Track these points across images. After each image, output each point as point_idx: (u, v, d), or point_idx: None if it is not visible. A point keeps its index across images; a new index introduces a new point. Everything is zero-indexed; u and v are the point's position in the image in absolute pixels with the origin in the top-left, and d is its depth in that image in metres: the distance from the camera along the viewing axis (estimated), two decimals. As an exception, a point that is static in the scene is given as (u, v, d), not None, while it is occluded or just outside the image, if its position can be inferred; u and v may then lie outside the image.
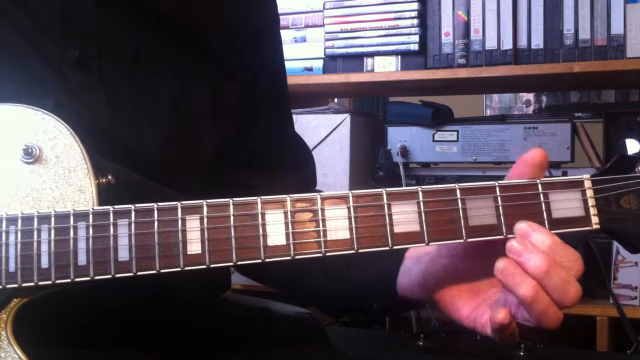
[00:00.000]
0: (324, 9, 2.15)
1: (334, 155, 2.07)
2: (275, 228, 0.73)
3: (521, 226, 0.73)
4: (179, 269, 0.72)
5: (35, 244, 0.72)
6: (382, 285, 0.90)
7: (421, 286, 0.85)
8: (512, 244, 0.73)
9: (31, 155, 0.75)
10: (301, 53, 2.19)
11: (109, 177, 0.77)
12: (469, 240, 0.74)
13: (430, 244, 0.74)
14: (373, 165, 2.08)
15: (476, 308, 0.80)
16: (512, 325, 0.74)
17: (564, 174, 1.96)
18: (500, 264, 0.72)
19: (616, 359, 1.81)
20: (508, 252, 0.73)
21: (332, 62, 2.14)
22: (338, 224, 0.74)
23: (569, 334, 2.01)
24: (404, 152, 2.09)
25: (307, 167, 1.15)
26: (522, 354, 1.57)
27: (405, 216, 0.74)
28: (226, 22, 0.99)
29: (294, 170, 1.11)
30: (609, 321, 1.85)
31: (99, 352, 0.86)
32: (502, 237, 0.74)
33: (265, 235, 0.73)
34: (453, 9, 2.01)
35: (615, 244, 1.89)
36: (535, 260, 0.71)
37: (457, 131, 2.07)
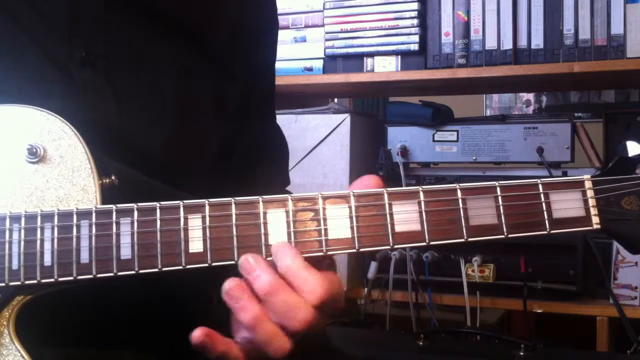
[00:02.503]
0: (324, 9, 2.15)
1: (334, 155, 2.07)
2: (276, 227, 0.74)
3: (274, 245, 0.74)
4: (180, 267, 0.73)
5: (38, 242, 0.73)
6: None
7: None
8: (246, 260, 0.73)
9: (35, 155, 0.76)
10: (301, 53, 2.19)
11: (113, 177, 0.77)
12: (469, 239, 0.74)
13: (431, 243, 0.74)
14: (373, 166, 2.08)
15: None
16: (212, 348, 0.73)
17: (564, 174, 1.97)
18: (227, 285, 0.72)
19: (616, 359, 1.81)
20: (240, 268, 0.73)
21: (332, 62, 2.14)
22: (339, 223, 0.74)
23: (569, 334, 2.02)
24: (404, 152, 2.09)
25: (285, 154, 1.17)
26: (522, 354, 1.57)
27: (406, 216, 0.74)
28: (227, 22, 1.00)
29: (276, 159, 1.13)
30: (609, 321, 1.85)
31: (100, 350, 0.86)
32: (502, 236, 0.75)
33: (266, 234, 0.74)
34: (453, 9, 2.01)
35: (615, 243, 1.89)
36: (263, 280, 0.71)
37: (457, 131, 2.07)
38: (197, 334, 0.72)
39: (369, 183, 0.77)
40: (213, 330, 0.74)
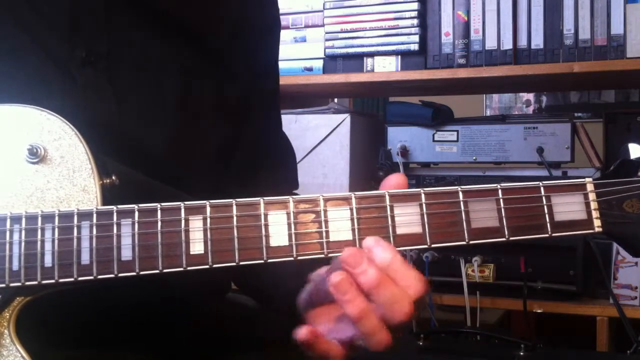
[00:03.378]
0: (324, 9, 2.15)
1: (334, 155, 2.07)
2: (277, 229, 0.74)
3: (368, 240, 0.74)
4: (181, 269, 0.73)
5: (39, 243, 0.73)
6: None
7: (305, 303, 0.85)
8: (351, 255, 0.73)
9: (36, 155, 0.75)
10: (301, 53, 2.19)
11: (113, 177, 0.77)
12: (471, 242, 0.74)
13: (433, 245, 0.74)
14: (373, 165, 2.08)
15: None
16: (317, 343, 0.74)
17: (564, 174, 1.97)
18: (335, 279, 0.72)
19: (616, 359, 1.81)
20: (343, 262, 0.72)
21: (332, 62, 2.14)
22: (341, 225, 0.74)
23: (569, 334, 2.02)
24: (404, 152, 2.09)
25: (293, 163, 1.17)
26: (522, 354, 1.57)
27: (407, 218, 0.74)
28: (228, 21, 1.00)
29: (282, 165, 1.13)
30: (609, 321, 1.85)
31: (100, 351, 0.86)
32: (504, 239, 0.74)
33: (267, 236, 0.74)
34: (453, 9, 2.01)
35: (615, 244, 1.89)
36: (369, 274, 0.72)
37: (457, 131, 2.07)
38: (304, 332, 0.73)
39: (396, 183, 0.77)
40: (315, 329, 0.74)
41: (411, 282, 0.73)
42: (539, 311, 1.92)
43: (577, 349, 1.82)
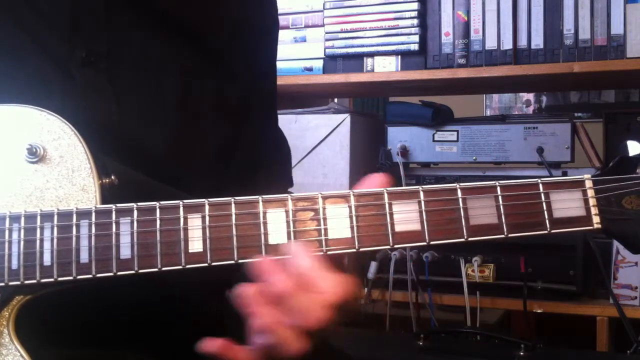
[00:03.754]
0: (324, 9, 2.15)
1: (334, 155, 2.07)
2: (276, 227, 0.74)
3: (288, 246, 0.73)
4: (180, 267, 0.73)
5: (38, 242, 0.73)
6: None
7: None
8: (258, 262, 0.73)
9: (35, 155, 0.76)
10: (301, 53, 2.18)
11: (112, 177, 0.77)
12: (469, 239, 0.74)
13: (431, 242, 0.74)
14: (373, 166, 2.08)
15: None
16: (229, 353, 0.74)
17: (564, 174, 1.96)
18: (239, 291, 0.72)
19: (616, 359, 1.81)
20: (252, 270, 0.72)
21: (332, 62, 2.14)
22: (339, 223, 0.74)
23: (569, 334, 2.02)
24: (404, 152, 2.09)
25: (289, 161, 1.17)
26: (522, 354, 1.57)
27: (406, 215, 0.74)
28: (228, 21, 1.00)
29: (280, 164, 1.13)
30: (609, 321, 1.85)
31: (99, 350, 0.86)
32: (503, 236, 0.74)
33: (266, 234, 0.74)
34: (453, 9, 2.01)
35: (616, 244, 1.89)
36: (278, 282, 0.72)
37: (457, 131, 2.07)
38: (212, 345, 0.73)
39: (375, 182, 0.77)
40: (227, 341, 0.74)
41: (327, 288, 0.72)
42: (539, 311, 1.92)
43: (577, 349, 1.82)
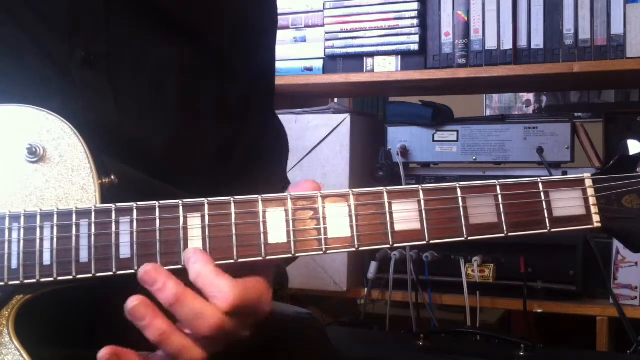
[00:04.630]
0: (324, 9, 2.15)
1: (334, 155, 2.07)
2: (276, 226, 0.74)
3: (187, 251, 0.73)
4: (180, 267, 0.73)
5: (37, 241, 0.73)
6: None
7: None
8: (146, 272, 0.71)
9: (35, 155, 0.76)
10: (301, 53, 2.19)
11: (112, 176, 0.77)
12: (469, 238, 0.74)
13: (431, 242, 0.74)
14: (373, 165, 2.08)
15: None
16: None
17: (564, 174, 1.96)
18: (130, 304, 0.71)
19: (616, 359, 1.81)
20: (141, 281, 0.71)
21: (332, 62, 2.14)
22: (339, 222, 0.74)
23: (569, 334, 2.02)
24: (404, 152, 2.09)
25: (283, 154, 1.16)
26: (522, 354, 1.57)
27: (406, 214, 0.74)
28: (228, 20, 1.00)
29: (272, 160, 1.13)
30: (609, 321, 1.85)
31: (99, 350, 0.86)
32: (502, 235, 0.74)
33: (266, 233, 0.74)
34: (453, 9, 2.01)
35: (615, 243, 1.89)
36: (167, 291, 0.70)
37: (457, 131, 2.07)
38: (102, 353, 0.71)
39: (305, 187, 0.76)
40: (123, 348, 0.73)
41: (220, 294, 0.71)
42: (539, 311, 1.92)
43: (577, 349, 1.82)
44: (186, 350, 0.72)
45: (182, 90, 0.93)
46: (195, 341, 0.72)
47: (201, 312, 0.71)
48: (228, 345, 0.75)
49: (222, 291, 0.71)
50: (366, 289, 2.05)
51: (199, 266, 0.72)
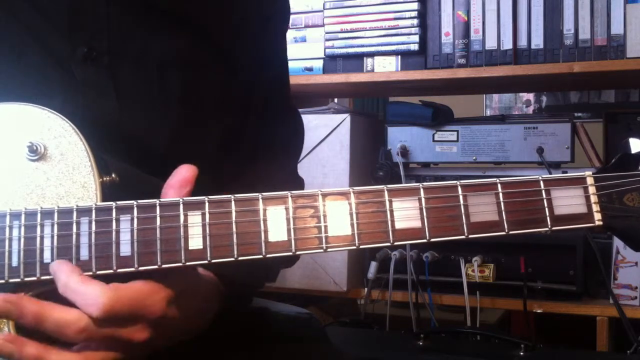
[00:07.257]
0: (324, 9, 2.15)
1: (334, 155, 2.07)
2: (276, 224, 0.74)
3: (52, 265, 0.72)
4: (180, 264, 0.73)
5: (38, 239, 0.73)
6: None
7: None
8: (3, 302, 0.70)
9: (36, 153, 0.76)
10: (301, 53, 2.18)
11: (113, 174, 0.77)
12: (470, 236, 0.74)
13: (432, 240, 0.74)
14: (373, 165, 2.08)
15: None
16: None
17: (564, 174, 1.96)
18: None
19: (616, 359, 1.81)
20: (4, 302, 0.70)
21: (332, 62, 2.14)
22: (339, 220, 0.74)
23: (569, 334, 2.02)
24: (404, 152, 2.09)
25: (294, 152, 1.16)
26: (522, 354, 1.57)
27: (406, 212, 0.74)
28: (230, 13, 0.99)
29: (283, 154, 1.12)
30: (609, 321, 1.85)
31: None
32: (503, 233, 0.74)
33: (266, 231, 0.73)
34: (453, 9, 2.01)
35: (616, 243, 1.89)
36: (25, 315, 0.70)
37: (457, 131, 2.07)
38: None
39: (183, 172, 0.77)
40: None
41: (90, 300, 0.70)
42: (539, 311, 1.92)
43: (577, 349, 1.82)
44: None
45: (184, 85, 0.93)
46: (77, 352, 0.72)
47: (64, 320, 0.70)
48: (147, 347, 0.75)
49: (90, 297, 0.70)
50: (366, 289, 2.05)
51: (64, 277, 0.71)
